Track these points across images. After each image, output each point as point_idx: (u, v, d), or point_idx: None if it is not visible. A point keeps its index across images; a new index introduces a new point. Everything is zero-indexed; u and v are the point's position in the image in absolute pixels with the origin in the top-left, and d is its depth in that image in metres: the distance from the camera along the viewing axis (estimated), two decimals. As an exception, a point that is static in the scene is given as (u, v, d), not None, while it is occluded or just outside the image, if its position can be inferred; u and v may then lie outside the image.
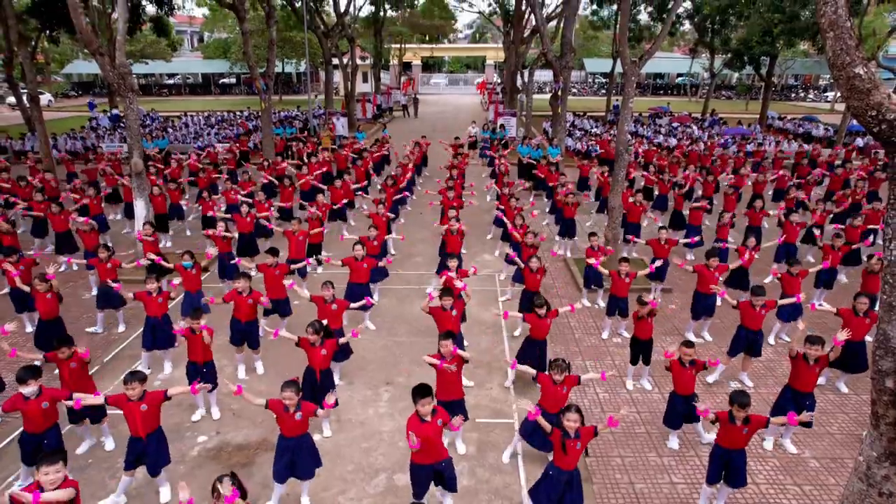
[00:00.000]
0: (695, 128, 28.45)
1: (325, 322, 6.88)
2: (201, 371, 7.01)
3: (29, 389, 5.41)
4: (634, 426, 7.09)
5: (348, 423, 7.07)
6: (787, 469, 6.34)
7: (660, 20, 29.02)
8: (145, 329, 7.93)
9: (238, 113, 34.53)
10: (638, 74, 10.35)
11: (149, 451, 5.58)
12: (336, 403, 5.83)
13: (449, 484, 5.34)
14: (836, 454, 6.54)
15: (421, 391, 5.05)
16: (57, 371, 6.45)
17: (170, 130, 26.36)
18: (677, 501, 5.87)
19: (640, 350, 7.73)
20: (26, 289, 8.13)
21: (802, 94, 59.32)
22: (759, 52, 27.31)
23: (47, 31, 22.45)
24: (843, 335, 5.99)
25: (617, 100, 33.53)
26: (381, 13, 37.07)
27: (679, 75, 64.17)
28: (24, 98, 26.66)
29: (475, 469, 6.32)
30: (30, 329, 9.19)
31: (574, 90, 60.90)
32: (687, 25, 38.12)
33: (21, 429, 5.74)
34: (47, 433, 5.61)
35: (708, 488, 5.56)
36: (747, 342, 7.64)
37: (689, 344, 6.34)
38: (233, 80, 61.82)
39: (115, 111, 33.43)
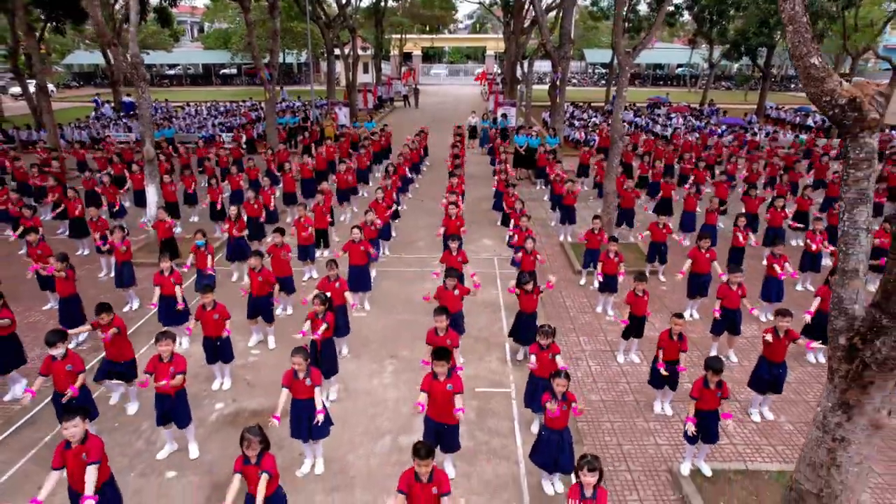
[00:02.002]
0: (691, 118, 28.80)
1: (328, 294, 7.34)
2: (215, 345, 7.47)
3: (58, 351, 5.91)
4: (624, 395, 7.57)
5: (355, 391, 7.56)
6: (763, 432, 6.83)
7: (658, 10, 29.26)
8: (160, 307, 8.39)
9: (241, 103, 34.85)
10: (632, 65, 10.74)
11: (176, 408, 6.10)
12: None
13: (444, 445, 5.80)
14: (810, 419, 7.01)
15: (438, 354, 5.54)
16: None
17: (174, 120, 26.72)
18: (660, 459, 6.37)
19: (635, 325, 8.17)
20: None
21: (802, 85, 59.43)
22: (756, 43, 27.60)
23: (53, 22, 22.70)
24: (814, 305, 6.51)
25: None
26: (382, 3, 37.24)
27: (679, 66, 64.26)
28: (31, 88, 27.04)
29: (475, 432, 6.81)
30: (49, 306, 9.75)
31: (574, 80, 61.03)
32: (686, 16, 38.30)
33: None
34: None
35: (690, 447, 6.03)
36: (727, 321, 8.10)
37: (679, 315, 6.78)
38: (233, 71, 62.01)
39: (128, 98, 33.68)
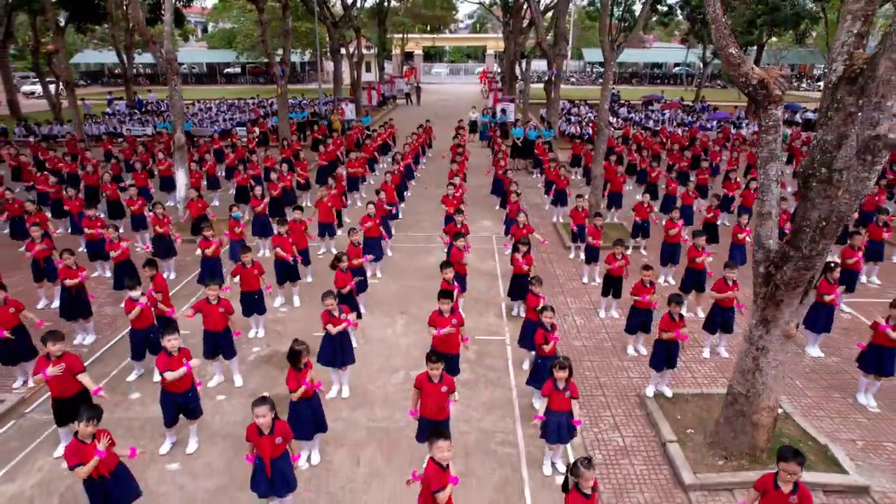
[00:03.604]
0: (680, 113, 30.08)
1: (347, 253, 8.58)
2: (253, 299, 8.70)
3: (136, 293, 7.15)
4: (603, 342, 8.81)
5: (372, 339, 8.79)
6: (720, 368, 8.05)
7: (653, 11, 30.46)
8: (203, 269, 9.64)
9: (249, 100, 36.13)
10: (615, 59, 11.97)
11: (223, 342, 7.32)
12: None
13: (447, 370, 6.98)
14: (760, 359, 8.23)
15: (444, 294, 6.75)
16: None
17: (186, 115, 27.96)
18: (630, 388, 7.59)
19: (612, 285, 9.40)
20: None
21: (796, 84, 60.56)
22: (743, 42, 28.74)
23: (77, 22, 23.92)
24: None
25: (614, 88, 35.09)
26: (385, 3, 38.46)
27: (676, 65, 65.47)
28: (52, 86, 28.32)
29: (475, 368, 8.05)
30: (97, 274, 10.99)
31: (573, 79, 62.32)
32: (680, 16, 39.52)
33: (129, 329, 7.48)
34: (151, 328, 7.33)
35: (655, 373, 7.25)
36: (693, 280, 9.33)
37: (647, 267, 8.02)
38: (237, 70, 63.29)
39: (137, 97, 35.00)
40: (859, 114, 4.73)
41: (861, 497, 5.68)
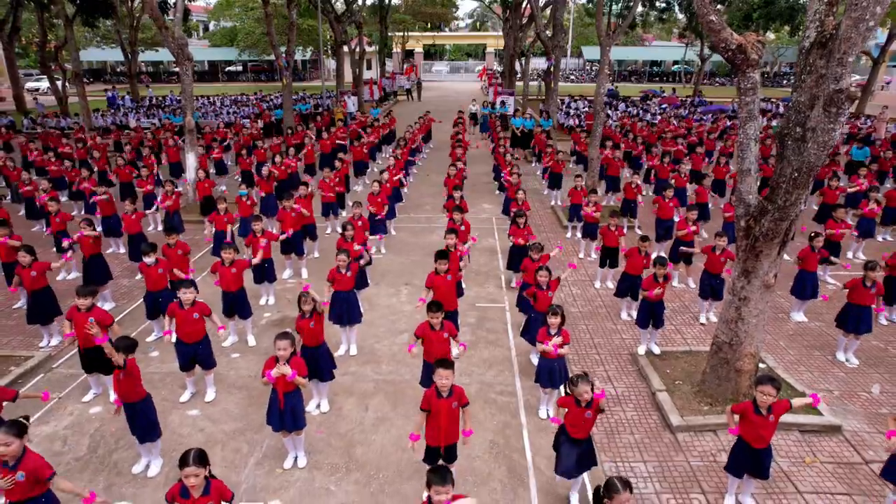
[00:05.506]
0: (674, 107, 30.55)
1: (351, 223, 8.99)
2: (263, 267, 9.13)
3: (150, 259, 7.58)
4: (598, 308, 9.23)
5: (378, 306, 9.22)
6: (709, 331, 8.42)
7: (651, 7, 30.96)
8: (214, 242, 10.08)
9: (252, 96, 36.61)
10: (611, 44, 12.40)
11: (237, 302, 7.74)
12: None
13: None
14: (747, 323, 8.65)
15: (440, 254, 7.17)
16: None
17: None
18: (623, 346, 8.02)
19: (608, 256, 9.82)
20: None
21: (794, 81, 60.90)
22: (741, 36, 29.18)
23: (85, 15, 24.35)
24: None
25: (612, 85, 35.58)
26: (387, 0, 38.90)
27: (675, 63, 65.89)
28: (59, 80, 28.78)
29: (476, 330, 8.47)
30: (112, 249, 11.41)
31: (572, 77, 62.78)
32: (678, 13, 39.96)
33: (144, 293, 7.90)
34: (162, 292, 7.76)
35: (643, 331, 7.68)
36: (683, 253, 9.75)
37: (644, 238, 8.44)
38: (239, 68, 63.79)
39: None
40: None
41: (834, 436, 6.10)
